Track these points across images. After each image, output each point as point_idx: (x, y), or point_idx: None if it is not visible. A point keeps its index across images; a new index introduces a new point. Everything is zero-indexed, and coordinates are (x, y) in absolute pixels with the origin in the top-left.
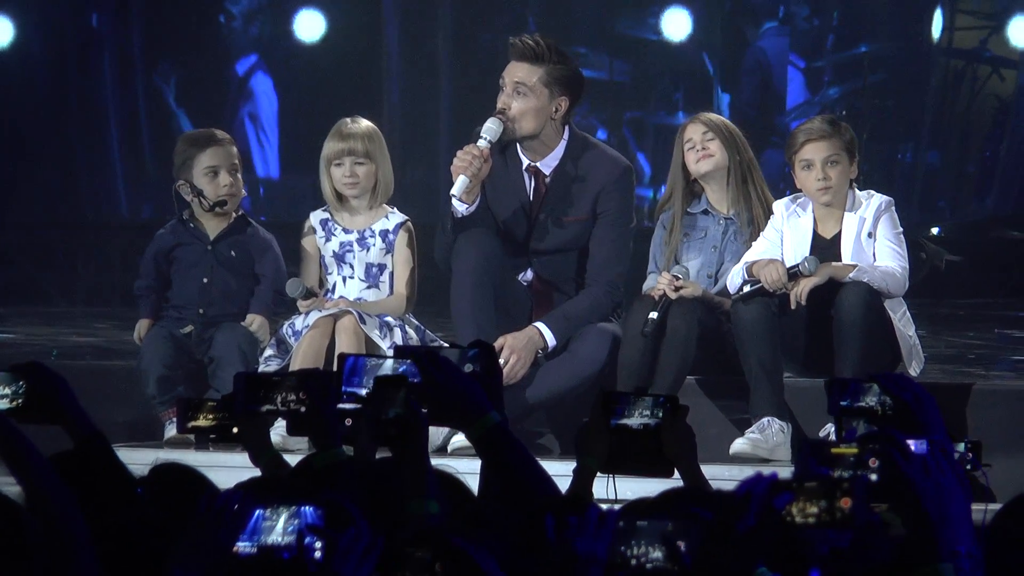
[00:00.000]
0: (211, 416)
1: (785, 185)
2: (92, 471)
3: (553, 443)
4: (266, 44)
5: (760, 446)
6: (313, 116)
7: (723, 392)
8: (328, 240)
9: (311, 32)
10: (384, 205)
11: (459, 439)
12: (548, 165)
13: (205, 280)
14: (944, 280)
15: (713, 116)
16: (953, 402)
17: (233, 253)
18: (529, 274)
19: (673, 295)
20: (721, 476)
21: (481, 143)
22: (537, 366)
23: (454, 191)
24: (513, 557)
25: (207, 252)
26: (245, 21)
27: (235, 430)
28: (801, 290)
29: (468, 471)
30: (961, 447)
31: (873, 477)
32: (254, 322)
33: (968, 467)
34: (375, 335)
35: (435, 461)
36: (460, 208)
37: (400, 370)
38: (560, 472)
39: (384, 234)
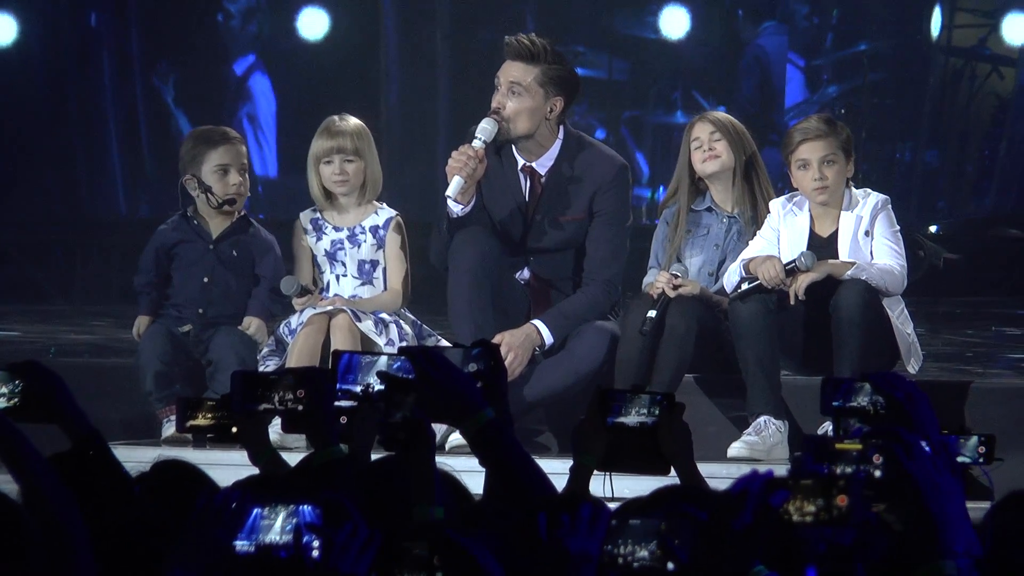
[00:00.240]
0: (210, 415)
1: (783, 184)
2: (89, 470)
3: (551, 441)
4: (264, 43)
5: (757, 448)
6: (311, 115)
7: (721, 390)
8: (319, 239)
9: (314, 30)
10: (373, 202)
11: (457, 437)
12: (543, 165)
13: (206, 279)
14: (942, 278)
15: (721, 115)
16: (951, 400)
17: (235, 253)
18: (526, 273)
19: (672, 293)
20: (719, 474)
21: (476, 143)
22: (535, 364)
23: (449, 192)
24: (509, 555)
25: (209, 251)
26: (243, 20)
27: (234, 430)
28: (799, 285)
29: (466, 469)
30: (974, 441)
31: (877, 473)
32: (252, 325)
33: (981, 461)
34: (371, 332)
35: None
36: (456, 209)
37: (394, 367)
38: (558, 470)
39: (375, 230)
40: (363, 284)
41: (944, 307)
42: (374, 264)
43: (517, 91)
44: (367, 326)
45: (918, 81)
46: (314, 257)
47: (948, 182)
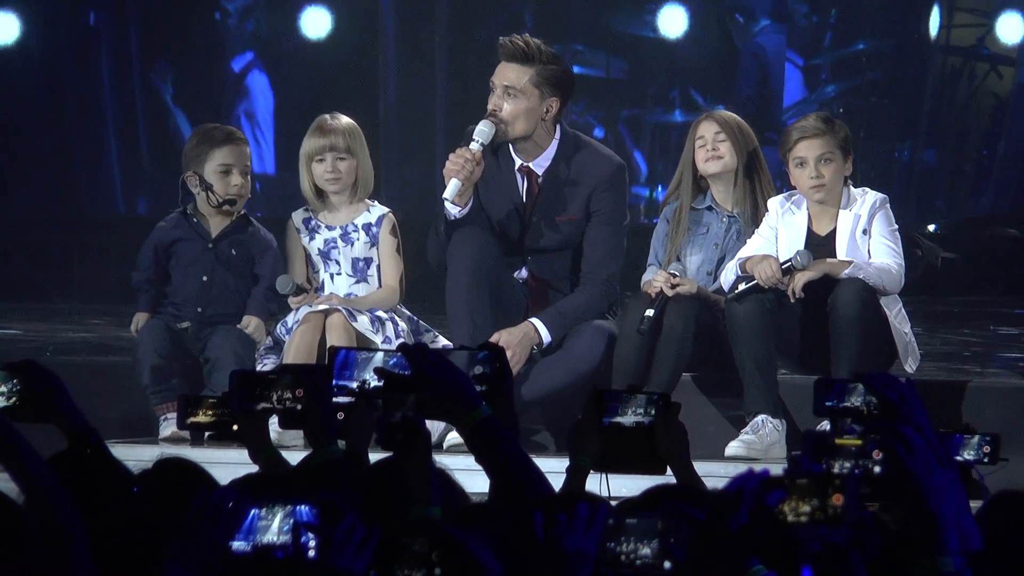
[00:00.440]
0: (211, 413)
1: (782, 182)
2: (87, 469)
3: (548, 440)
4: (262, 41)
5: (754, 447)
6: (309, 113)
7: (719, 389)
8: (312, 239)
9: (316, 29)
10: (365, 199)
11: (455, 435)
12: (540, 166)
13: (205, 278)
14: (940, 277)
15: (727, 115)
16: (949, 399)
17: (234, 252)
18: (524, 273)
19: (670, 292)
20: (716, 473)
21: (473, 146)
22: (533, 363)
23: (447, 194)
24: (507, 553)
25: (208, 250)
26: (241, 18)
27: (235, 427)
28: (796, 284)
29: (463, 468)
30: (977, 439)
31: (876, 469)
32: (250, 324)
33: (986, 460)
34: (367, 330)
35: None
36: (453, 211)
37: (391, 363)
38: (555, 469)
39: (367, 227)
40: (358, 282)
41: (942, 306)
42: (368, 262)
43: (512, 93)
44: (363, 324)
45: (916, 80)
46: (308, 256)
47: (946, 181)
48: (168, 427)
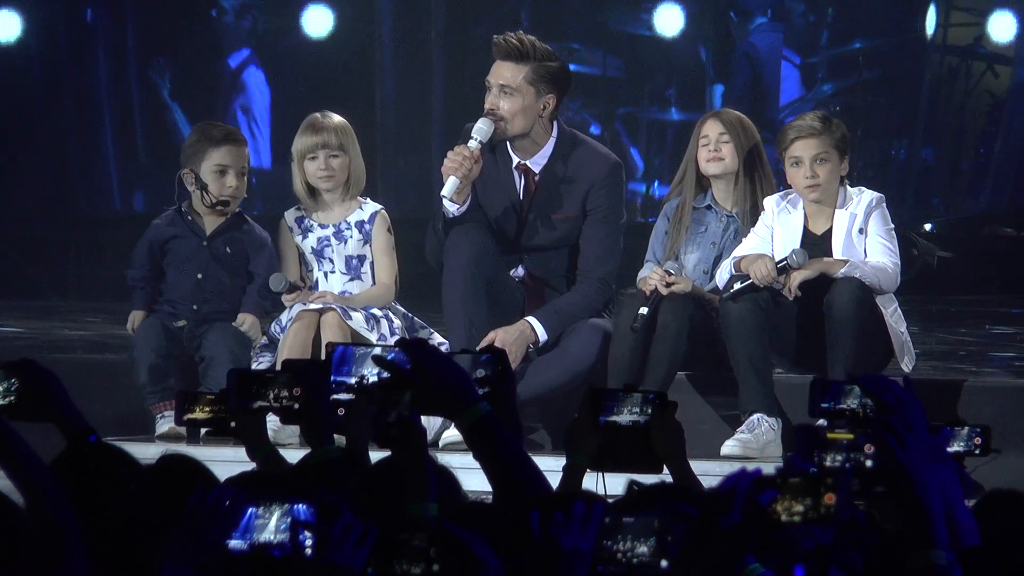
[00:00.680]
0: (208, 409)
1: (778, 181)
2: (85, 469)
3: (545, 439)
4: (258, 38)
5: (750, 446)
6: (305, 109)
7: (714, 388)
8: (305, 237)
9: (317, 27)
10: (357, 197)
11: (451, 434)
12: (537, 163)
13: (199, 276)
14: (936, 276)
15: (734, 116)
16: (945, 398)
17: (228, 250)
18: (520, 271)
19: (664, 291)
20: (712, 472)
21: (472, 144)
22: (528, 361)
23: (445, 192)
24: (503, 553)
25: (202, 247)
26: (237, 15)
27: (232, 424)
28: (792, 283)
29: (459, 466)
30: (966, 431)
31: (868, 463)
32: (245, 321)
33: (977, 452)
34: (362, 328)
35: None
36: (451, 209)
37: (389, 357)
38: (551, 467)
39: (360, 225)
40: (352, 280)
41: (938, 305)
42: (361, 259)
43: (509, 91)
44: (358, 322)
45: (913, 79)
46: (301, 255)
47: (943, 180)
48: (165, 424)
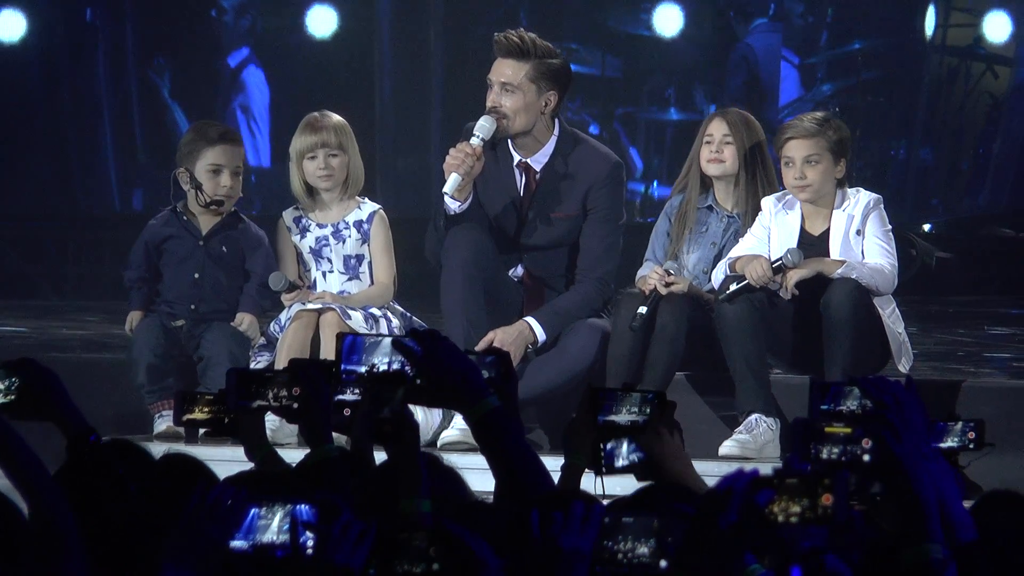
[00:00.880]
0: (207, 410)
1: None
2: (84, 468)
3: (543, 439)
4: (258, 37)
5: (748, 446)
6: (304, 108)
7: (712, 388)
8: (303, 237)
9: (319, 26)
10: (355, 196)
11: (449, 434)
12: (539, 161)
13: (196, 276)
14: (935, 277)
15: (739, 116)
16: (942, 399)
17: (225, 249)
18: (519, 270)
19: (663, 291)
20: (710, 472)
21: (474, 141)
22: (527, 361)
23: (447, 188)
24: (502, 553)
25: (198, 247)
26: (236, 14)
27: (226, 421)
28: (789, 282)
29: (459, 466)
30: (960, 426)
31: (866, 457)
32: (244, 321)
33: (971, 447)
34: (361, 328)
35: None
36: (453, 206)
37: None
38: (550, 468)
39: (359, 224)
40: (350, 279)
41: (936, 306)
42: (360, 259)
43: (510, 89)
44: (357, 322)
45: (912, 79)
46: (299, 255)
47: (942, 180)
48: (163, 423)
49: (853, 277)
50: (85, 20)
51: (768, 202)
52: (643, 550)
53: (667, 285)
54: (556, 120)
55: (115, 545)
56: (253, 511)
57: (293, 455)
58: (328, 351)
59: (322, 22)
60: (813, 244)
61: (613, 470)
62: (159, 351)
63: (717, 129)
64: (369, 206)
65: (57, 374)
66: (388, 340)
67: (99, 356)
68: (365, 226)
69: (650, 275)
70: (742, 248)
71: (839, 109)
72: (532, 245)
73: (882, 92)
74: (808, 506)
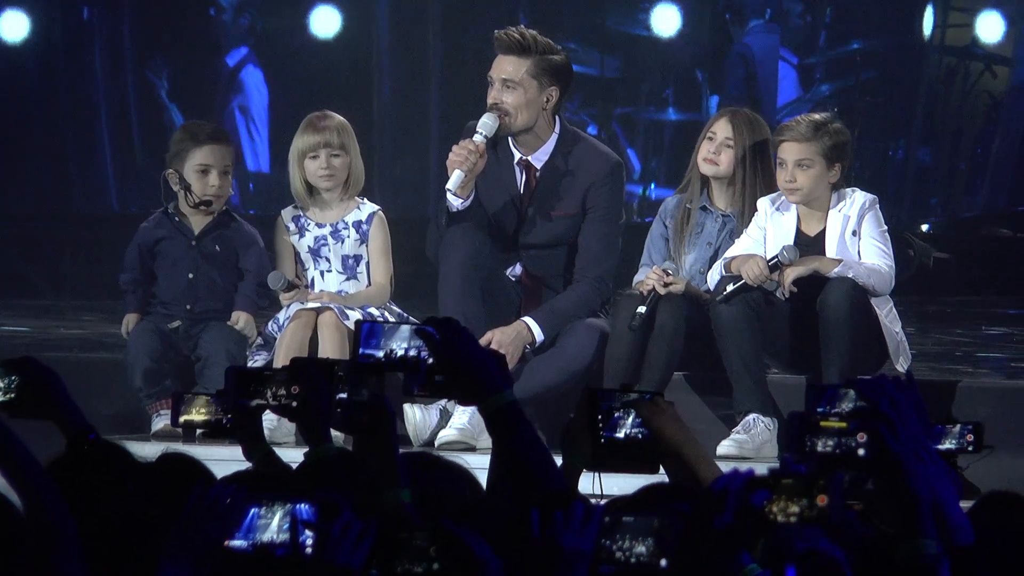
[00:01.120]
0: (204, 410)
1: None
2: (83, 467)
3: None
4: (257, 36)
5: (746, 446)
6: (303, 109)
7: (710, 388)
8: (302, 236)
9: (322, 27)
10: (355, 197)
11: (446, 433)
12: (539, 159)
13: (190, 276)
14: (932, 277)
15: (746, 119)
16: (940, 399)
17: (218, 248)
18: (518, 269)
19: (662, 291)
20: None
21: (477, 138)
22: (525, 361)
23: (449, 185)
24: (502, 552)
25: (191, 247)
26: (235, 14)
27: (225, 421)
28: (786, 279)
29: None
30: (958, 428)
31: (860, 451)
32: (240, 319)
33: (970, 449)
34: None
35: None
36: (455, 203)
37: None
38: None
39: (357, 225)
40: (348, 279)
41: (934, 306)
42: (358, 259)
43: (511, 85)
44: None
45: (911, 79)
46: (297, 254)
47: (941, 180)
48: (161, 421)
49: (850, 276)
50: (82, 19)
51: (764, 203)
52: (641, 549)
53: (665, 285)
54: (557, 117)
55: (112, 544)
56: (253, 510)
57: (291, 454)
58: (326, 351)
59: (326, 22)
60: (809, 245)
61: (613, 443)
62: (155, 355)
63: (721, 130)
64: (368, 207)
65: (57, 373)
66: (407, 326)
67: (97, 356)
68: (364, 227)
69: (649, 275)
70: (738, 248)
71: (838, 109)
72: (531, 243)
73: (880, 92)
74: (806, 506)
